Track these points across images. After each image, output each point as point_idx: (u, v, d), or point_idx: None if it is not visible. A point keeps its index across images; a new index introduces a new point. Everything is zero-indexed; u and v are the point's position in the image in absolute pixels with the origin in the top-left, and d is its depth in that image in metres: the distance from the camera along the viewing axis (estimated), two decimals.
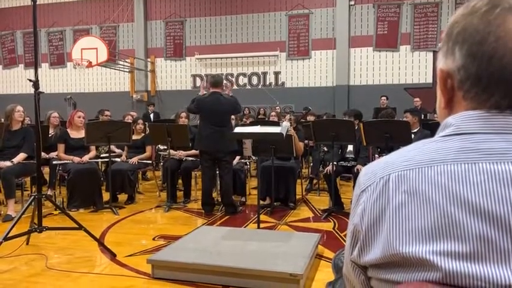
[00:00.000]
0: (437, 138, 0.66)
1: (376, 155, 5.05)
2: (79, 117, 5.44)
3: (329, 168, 4.90)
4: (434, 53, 11.28)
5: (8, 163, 4.66)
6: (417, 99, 10.21)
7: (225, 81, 5.13)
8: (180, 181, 5.83)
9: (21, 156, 4.80)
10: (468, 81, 0.64)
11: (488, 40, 0.61)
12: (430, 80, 11.48)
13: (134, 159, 5.65)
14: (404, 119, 5.01)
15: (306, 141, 6.35)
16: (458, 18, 0.66)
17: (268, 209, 4.95)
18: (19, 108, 4.95)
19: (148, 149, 5.93)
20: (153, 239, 3.93)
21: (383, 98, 10.37)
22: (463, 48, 0.64)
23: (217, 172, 5.09)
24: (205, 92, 5.08)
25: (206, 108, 4.75)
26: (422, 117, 7.38)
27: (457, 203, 0.57)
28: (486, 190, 0.56)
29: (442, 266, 0.56)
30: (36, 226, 3.36)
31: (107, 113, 8.12)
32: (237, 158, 5.54)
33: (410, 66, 11.82)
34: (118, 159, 5.76)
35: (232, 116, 5.62)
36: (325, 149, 6.30)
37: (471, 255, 0.55)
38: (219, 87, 4.83)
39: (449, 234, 0.56)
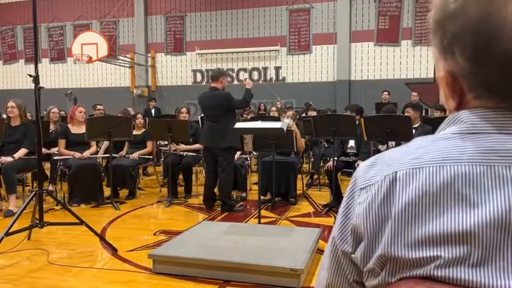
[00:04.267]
0: (448, 135, 0.59)
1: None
2: (80, 112, 5.45)
3: (330, 163, 4.90)
4: None
5: (9, 158, 4.67)
6: (415, 93, 10.03)
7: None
8: (181, 176, 5.84)
9: (22, 152, 4.80)
10: (481, 87, 0.56)
11: (494, 43, 0.52)
12: (431, 74, 11.40)
13: (135, 155, 5.65)
14: (406, 114, 4.99)
15: (308, 137, 6.33)
16: (450, 4, 0.55)
17: (269, 204, 4.96)
18: (10, 103, 4.94)
19: (149, 144, 5.93)
20: (154, 234, 3.94)
21: (385, 93, 10.32)
22: (464, 52, 0.55)
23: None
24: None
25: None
26: (423, 114, 7.34)
27: (469, 208, 0.53)
28: (500, 197, 0.52)
29: (449, 275, 0.53)
30: (37, 221, 3.38)
31: (99, 107, 8.05)
32: (238, 153, 5.54)
33: (411, 61, 11.76)
34: (117, 155, 5.76)
35: (237, 111, 5.56)
36: (326, 144, 6.29)
37: (480, 263, 0.52)
38: (216, 82, 4.87)
39: (458, 241, 0.53)
